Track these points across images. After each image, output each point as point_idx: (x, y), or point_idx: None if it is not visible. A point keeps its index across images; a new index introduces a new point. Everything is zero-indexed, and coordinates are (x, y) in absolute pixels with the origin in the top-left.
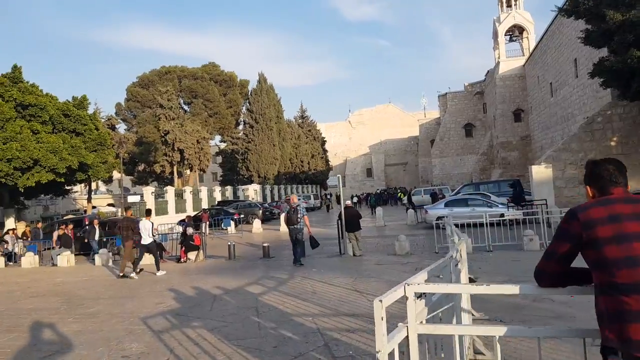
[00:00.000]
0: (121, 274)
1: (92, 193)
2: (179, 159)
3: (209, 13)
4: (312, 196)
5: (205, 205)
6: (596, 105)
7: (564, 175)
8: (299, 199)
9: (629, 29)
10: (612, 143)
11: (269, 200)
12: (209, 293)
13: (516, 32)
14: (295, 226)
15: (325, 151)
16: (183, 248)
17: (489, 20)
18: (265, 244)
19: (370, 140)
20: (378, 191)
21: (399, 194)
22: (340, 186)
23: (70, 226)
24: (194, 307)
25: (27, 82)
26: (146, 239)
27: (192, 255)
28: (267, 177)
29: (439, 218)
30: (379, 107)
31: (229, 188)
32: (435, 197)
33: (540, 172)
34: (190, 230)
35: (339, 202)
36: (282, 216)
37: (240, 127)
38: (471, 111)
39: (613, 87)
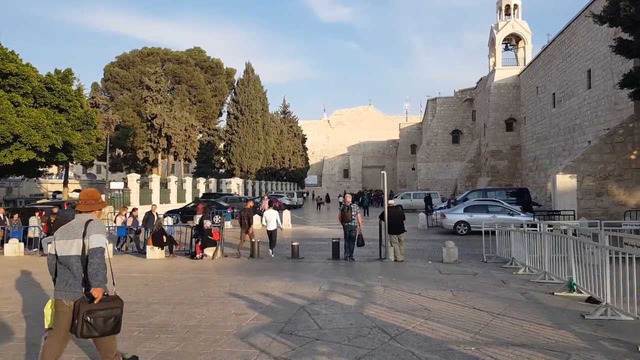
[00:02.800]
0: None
1: (56, 177)
2: (165, 146)
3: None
4: (295, 194)
5: (189, 197)
6: (612, 118)
7: (582, 187)
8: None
9: None
10: (632, 156)
11: (250, 195)
12: (289, 302)
13: (513, 40)
14: (349, 223)
15: (305, 149)
16: (199, 243)
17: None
18: (294, 243)
19: (348, 141)
20: (368, 192)
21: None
22: (385, 183)
23: (56, 210)
24: (292, 322)
25: (6, 49)
26: (272, 226)
27: (208, 251)
28: (249, 172)
29: (457, 223)
30: (358, 108)
31: (212, 180)
32: (428, 202)
33: (564, 181)
34: (208, 224)
35: (316, 200)
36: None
37: (221, 117)
38: (459, 118)
39: None
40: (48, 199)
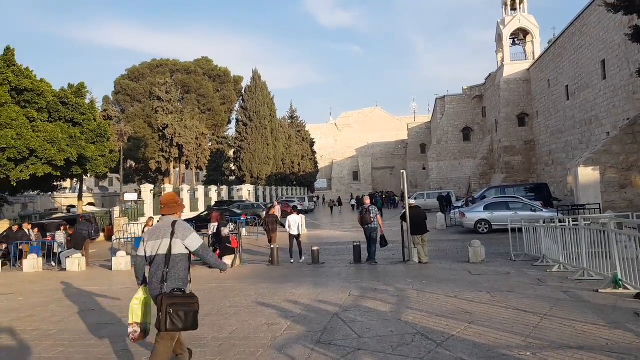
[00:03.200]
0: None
1: (69, 191)
2: (177, 155)
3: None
4: (306, 198)
5: (201, 205)
6: (631, 107)
7: (604, 179)
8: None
9: None
10: None
11: (261, 201)
12: (320, 310)
13: (520, 35)
14: (369, 225)
15: (314, 153)
16: (217, 251)
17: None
18: (314, 248)
19: (356, 143)
20: (379, 193)
21: (396, 197)
22: (406, 183)
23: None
24: (328, 331)
25: (21, 66)
26: (294, 231)
27: (227, 259)
28: (259, 178)
29: (478, 222)
30: (365, 110)
31: (224, 188)
32: (442, 201)
33: (586, 174)
34: (226, 231)
35: (328, 204)
36: (289, 218)
37: (230, 125)
38: (469, 115)
39: None
40: (62, 213)
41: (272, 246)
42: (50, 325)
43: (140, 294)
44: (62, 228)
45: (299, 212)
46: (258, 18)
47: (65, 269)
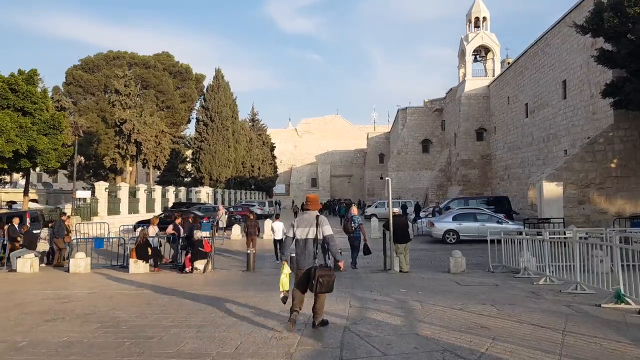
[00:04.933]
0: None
1: (9, 185)
2: (134, 153)
3: (135, 6)
4: (266, 203)
5: (158, 206)
6: (590, 127)
7: (565, 195)
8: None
9: None
10: (613, 165)
11: (219, 204)
12: (331, 322)
13: (482, 52)
14: (352, 234)
15: (274, 157)
16: (188, 255)
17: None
18: (292, 254)
19: (316, 150)
20: (341, 200)
21: (353, 205)
22: (389, 191)
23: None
24: (348, 348)
25: None
26: (279, 236)
27: (199, 264)
28: (219, 180)
29: (447, 232)
30: (326, 117)
31: (182, 189)
32: (405, 210)
33: (551, 189)
34: (198, 234)
35: (292, 209)
36: (273, 224)
37: (189, 124)
38: (429, 127)
39: (631, 109)
40: (1, 208)
41: (248, 251)
42: (18, 336)
43: (286, 270)
44: (50, 225)
45: (259, 216)
46: (219, 19)
47: (15, 270)
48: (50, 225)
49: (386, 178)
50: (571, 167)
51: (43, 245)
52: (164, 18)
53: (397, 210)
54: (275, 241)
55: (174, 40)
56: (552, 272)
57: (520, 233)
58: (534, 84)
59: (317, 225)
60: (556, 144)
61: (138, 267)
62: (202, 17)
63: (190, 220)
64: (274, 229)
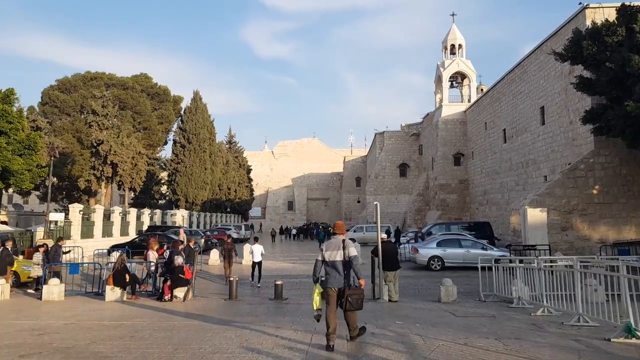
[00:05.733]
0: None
1: None
2: (110, 174)
3: (112, 28)
4: (243, 226)
5: (132, 230)
6: (570, 153)
7: (548, 221)
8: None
9: None
10: (594, 191)
11: (195, 227)
12: (328, 359)
13: (458, 78)
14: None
15: (250, 180)
16: (168, 282)
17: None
18: (278, 282)
19: (292, 172)
20: (318, 224)
21: (330, 229)
22: (378, 216)
23: (10, 243)
24: None
25: None
26: (257, 258)
27: (179, 292)
28: (194, 203)
29: (431, 258)
30: (302, 140)
31: (157, 212)
32: (389, 235)
33: (535, 215)
34: (179, 260)
35: (270, 233)
36: (252, 247)
37: (165, 146)
38: (407, 152)
39: (612, 135)
40: None
41: (231, 278)
42: None
43: (318, 289)
44: (40, 250)
45: (235, 240)
46: (197, 42)
47: None
48: (41, 249)
49: (374, 202)
50: (553, 193)
51: (37, 271)
52: (143, 40)
53: (384, 236)
54: (254, 263)
55: (152, 61)
56: (549, 302)
57: (511, 260)
58: (511, 110)
59: (344, 247)
60: (536, 170)
61: (115, 294)
62: (181, 40)
63: (191, 245)
64: (253, 252)
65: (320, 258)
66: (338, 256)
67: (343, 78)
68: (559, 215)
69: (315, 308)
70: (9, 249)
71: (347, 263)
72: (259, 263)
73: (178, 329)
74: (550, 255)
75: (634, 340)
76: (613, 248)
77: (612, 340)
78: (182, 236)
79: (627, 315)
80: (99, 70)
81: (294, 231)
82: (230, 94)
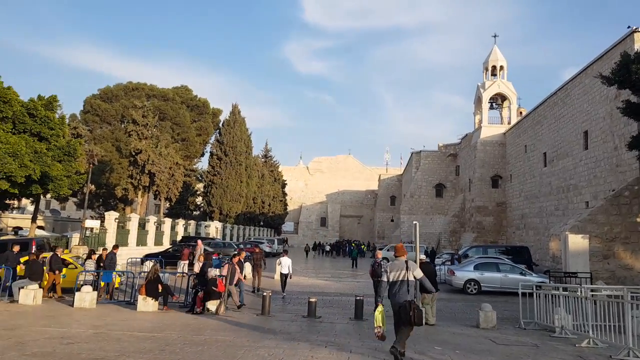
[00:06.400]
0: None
1: (16, 211)
2: (147, 184)
3: (155, 40)
4: (276, 240)
5: (166, 240)
6: (614, 179)
7: (589, 248)
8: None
9: None
10: (638, 219)
11: (228, 239)
12: None
13: (498, 100)
14: (379, 279)
15: (284, 194)
16: (200, 294)
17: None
18: (312, 299)
19: (326, 188)
20: (351, 242)
21: (363, 247)
22: (417, 236)
23: (60, 250)
24: None
25: None
26: (285, 270)
27: (211, 305)
28: (229, 215)
29: (467, 282)
30: (338, 157)
31: (192, 223)
32: (433, 256)
33: (576, 242)
34: (212, 272)
35: (304, 248)
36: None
37: (204, 157)
38: (443, 172)
39: None
40: (8, 235)
41: (264, 294)
42: None
43: (380, 308)
44: (93, 256)
45: (267, 254)
46: (237, 57)
47: (16, 301)
48: (94, 256)
49: (414, 222)
50: (595, 219)
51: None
52: (185, 53)
53: (423, 257)
54: (282, 275)
55: (193, 75)
56: (594, 333)
57: (556, 288)
58: (553, 133)
59: (407, 269)
60: (577, 195)
61: (147, 304)
62: (222, 55)
63: (240, 258)
64: (281, 263)
65: (384, 279)
66: (402, 276)
67: (381, 97)
68: (600, 242)
69: (376, 325)
70: (58, 255)
71: (411, 282)
72: (287, 275)
73: (209, 344)
74: (591, 284)
75: None
76: None
77: None
78: (200, 247)
79: None
80: (141, 81)
81: (327, 247)
82: (268, 109)
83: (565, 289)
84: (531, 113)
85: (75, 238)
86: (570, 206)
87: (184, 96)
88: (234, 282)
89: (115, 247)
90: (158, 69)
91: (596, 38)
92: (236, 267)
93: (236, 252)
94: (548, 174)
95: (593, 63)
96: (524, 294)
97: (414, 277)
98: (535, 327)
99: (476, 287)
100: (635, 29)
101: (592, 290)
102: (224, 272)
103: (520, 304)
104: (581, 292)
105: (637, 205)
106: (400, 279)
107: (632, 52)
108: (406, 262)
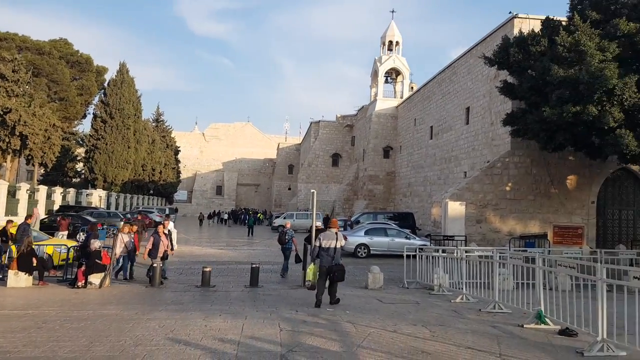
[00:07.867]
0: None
1: None
2: (18, 147)
3: None
4: (167, 209)
5: (42, 209)
6: (489, 152)
7: (465, 214)
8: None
9: (568, 85)
10: (507, 188)
11: (113, 209)
12: (260, 350)
13: (393, 74)
14: (285, 245)
15: (177, 162)
16: (82, 267)
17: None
18: (206, 269)
19: (223, 156)
20: (248, 210)
21: (259, 215)
22: (314, 204)
23: None
24: None
25: None
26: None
27: (95, 278)
28: (114, 183)
29: (358, 246)
30: (236, 124)
31: (71, 191)
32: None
33: (455, 208)
34: (96, 244)
35: (198, 217)
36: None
37: (86, 120)
38: (340, 142)
39: (528, 137)
40: None
41: (154, 264)
42: None
43: (312, 266)
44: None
45: (157, 224)
46: (126, 11)
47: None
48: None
49: (312, 190)
50: (471, 188)
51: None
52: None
53: (319, 223)
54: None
55: (73, 27)
56: (467, 289)
57: (436, 250)
58: (439, 108)
59: (337, 239)
60: (457, 166)
61: (19, 279)
62: (107, 6)
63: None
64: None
65: (317, 244)
66: (332, 244)
67: (281, 65)
68: (475, 208)
69: (307, 279)
70: None
71: (338, 249)
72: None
73: (93, 319)
74: (465, 246)
75: (543, 326)
76: (520, 240)
77: (525, 326)
78: (37, 214)
79: (538, 303)
80: (11, 31)
81: (225, 216)
82: (160, 70)
83: (443, 251)
84: (421, 89)
85: None
86: (451, 176)
87: (63, 51)
88: (159, 255)
89: (28, 217)
90: (32, 17)
91: (483, 20)
92: (161, 237)
93: (93, 222)
94: (433, 146)
95: (478, 44)
96: (407, 256)
97: (340, 246)
98: (417, 286)
99: (366, 251)
100: (516, 14)
101: (466, 252)
102: (111, 243)
103: (405, 266)
104: (457, 253)
105: (507, 175)
106: (330, 246)
107: (512, 37)
108: (336, 233)
